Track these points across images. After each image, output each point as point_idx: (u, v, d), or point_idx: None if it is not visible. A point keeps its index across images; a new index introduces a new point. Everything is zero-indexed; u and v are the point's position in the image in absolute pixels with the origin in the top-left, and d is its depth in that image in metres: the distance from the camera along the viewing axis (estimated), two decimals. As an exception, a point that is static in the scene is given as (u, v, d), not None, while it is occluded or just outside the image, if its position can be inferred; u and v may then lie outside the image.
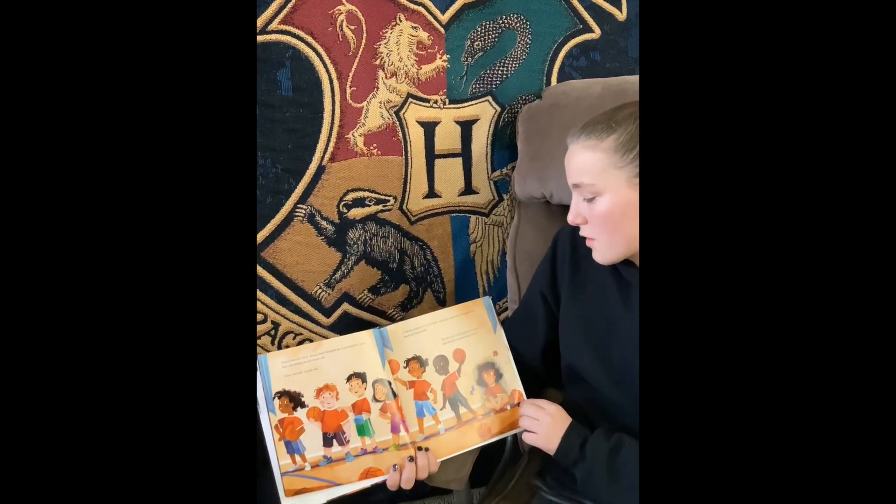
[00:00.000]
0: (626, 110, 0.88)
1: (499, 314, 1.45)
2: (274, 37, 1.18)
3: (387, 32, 1.24)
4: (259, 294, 1.29)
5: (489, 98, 1.33)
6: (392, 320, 1.40)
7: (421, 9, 1.25)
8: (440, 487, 1.01)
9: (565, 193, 1.21)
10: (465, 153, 1.36)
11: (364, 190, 1.30)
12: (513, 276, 1.29)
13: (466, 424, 0.96)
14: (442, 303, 1.43)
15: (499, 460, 1.18)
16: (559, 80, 1.37)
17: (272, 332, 1.33)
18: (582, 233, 0.93)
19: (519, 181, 1.28)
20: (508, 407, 1.00)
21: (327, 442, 0.89)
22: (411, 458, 0.91)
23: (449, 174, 1.36)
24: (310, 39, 1.20)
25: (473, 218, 1.40)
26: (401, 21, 1.24)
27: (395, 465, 0.89)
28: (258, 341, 1.32)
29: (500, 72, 1.33)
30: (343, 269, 1.33)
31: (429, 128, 1.31)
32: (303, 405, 0.90)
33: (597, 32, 1.37)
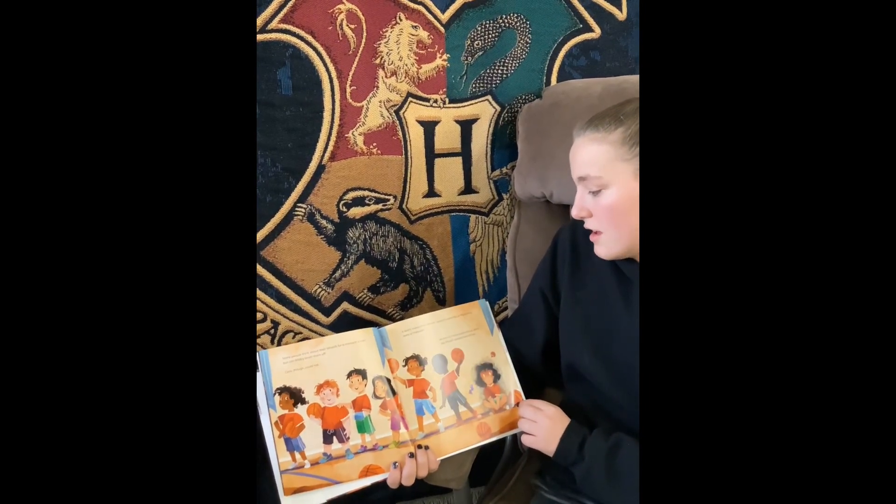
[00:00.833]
0: (634, 104, 0.89)
1: (499, 313, 1.45)
2: (274, 36, 1.18)
3: (387, 31, 1.24)
4: (259, 293, 1.29)
5: (489, 97, 1.34)
6: (392, 319, 1.40)
7: (421, 8, 1.25)
8: (440, 486, 1.01)
9: (565, 193, 1.21)
10: (465, 152, 1.36)
11: (364, 189, 1.30)
12: (513, 276, 1.30)
13: (466, 423, 0.96)
14: (442, 302, 1.44)
15: (498, 459, 1.18)
16: (559, 79, 1.37)
17: (272, 331, 1.33)
18: (587, 226, 0.93)
19: (519, 180, 1.28)
20: (508, 407, 1.00)
21: (327, 439, 0.89)
22: (412, 455, 0.91)
23: (449, 173, 1.36)
24: (310, 38, 1.20)
25: (473, 217, 1.40)
26: (401, 20, 1.25)
27: (395, 463, 0.89)
28: (258, 340, 1.32)
29: (500, 71, 1.33)
30: (343, 268, 1.34)
31: (429, 127, 1.32)
32: (303, 401, 0.90)
33: (597, 32, 1.37)
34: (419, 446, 0.92)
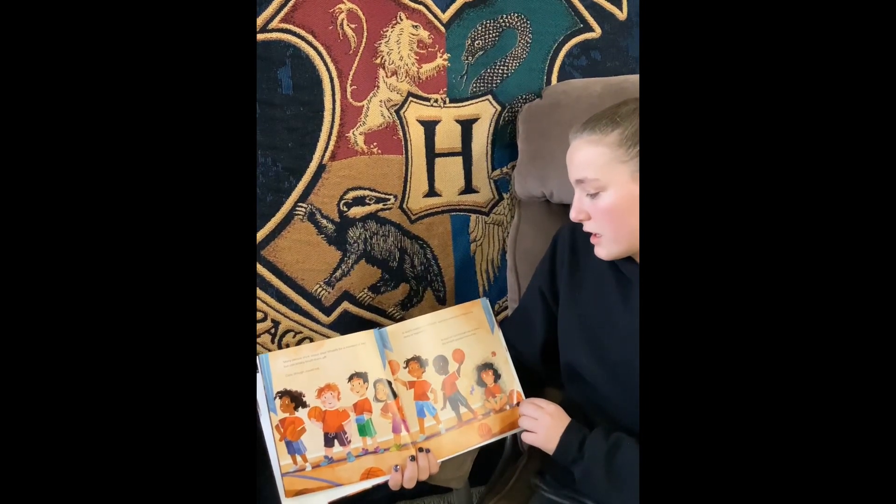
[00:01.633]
0: (630, 105, 0.88)
1: (499, 313, 1.45)
2: (274, 35, 1.18)
3: (387, 31, 1.24)
4: (259, 292, 1.29)
5: (489, 97, 1.33)
6: (392, 319, 1.40)
7: (421, 7, 1.25)
8: (440, 486, 1.01)
9: (565, 192, 1.21)
10: (466, 152, 1.36)
11: (364, 188, 1.30)
12: (513, 275, 1.30)
13: (467, 424, 0.96)
14: (442, 302, 1.43)
15: (498, 459, 1.19)
16: (559, 79, 1.37)
17: (272, 331, 1.33)
18: (586, 229, 0.93)
19: (519, 180, 1.28)
20: (508, 407, 1.00)
21: (328, 442, 0.89)
22: (412, 458, 0.91)
23: (449, 173, 1.36)
24: (310, 38, 1.20)
25: (473, 217, 1.40)
26: (401, 20, 1.24)
27: (396, 466, 0.89)
28: (258, 339, 1.32)
29: (500, 71, 1.33)
30: (343, 267, 1.33)
31: (429, 126, 1.31)
32: (304, 405, 0.90)
33: (597, 31, 1.37)
34: (420, 449, 0.92)
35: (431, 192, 1.35)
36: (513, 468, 1.14)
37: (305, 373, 0.92)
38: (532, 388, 1.04)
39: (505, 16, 1.30)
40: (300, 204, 1.27)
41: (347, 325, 1.37)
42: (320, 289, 1.33)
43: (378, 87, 1.26)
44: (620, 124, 0.86)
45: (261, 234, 1.26)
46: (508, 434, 0.99)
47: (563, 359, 1.03)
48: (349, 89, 1.24)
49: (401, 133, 1.30)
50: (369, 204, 1.31)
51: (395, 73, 1.26)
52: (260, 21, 1.16)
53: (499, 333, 1.06)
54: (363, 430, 0.91)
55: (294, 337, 1.35)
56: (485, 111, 1.34)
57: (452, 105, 1.32)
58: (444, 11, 1.27)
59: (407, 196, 1.34)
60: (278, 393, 0.89)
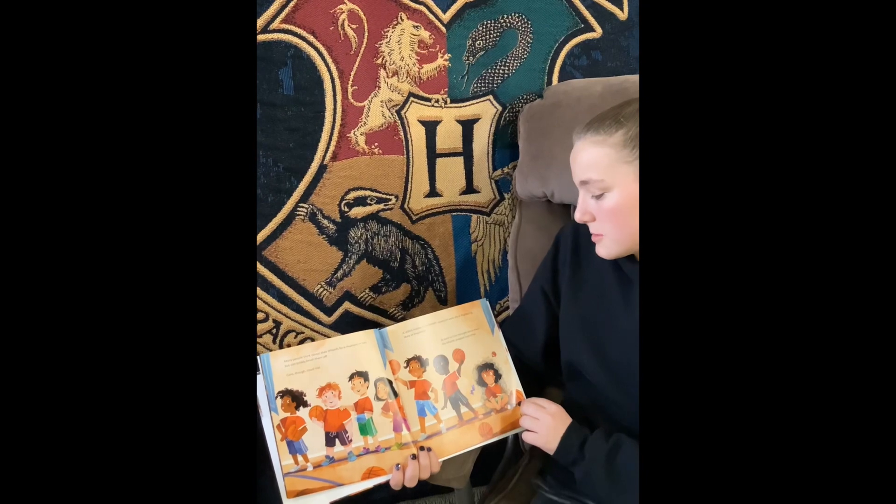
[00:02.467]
0: (634, 105, 0.88)
1: (500, 313, 1.45)
2: (275, 36, 1.18)
3: (388, 31, 1.24)
4: (261, 293, 1.29)
5: (490, 97, 1.33)
6: (393, 319, 1.40)
7: (422, 8, 1.25)
8: (442, 486, 1.01)
9: (566, 192, 1.21)
10: (467, 152, 1.36)
11: (365, 189, 1.30)
12: (514, 275, 1.30)
13: (468, 424, 0.96)
14: (443, 302, 1.44)
15: (500, 459, 1.19)
16: (560, 79, 1.37)
17: (274, 331, 1.33)
18: (591, 230, 0.93)
19: (520, 180, 1.28)
20: (509, 407, 1.00)
21: (330, 441, 0.89)
22: (414, 457, 0.91)
23: (450, 173, 1.36)
24: (311, 38, 1.20)
25: (475, 217, 1.40)
26: (402, 20, 1.24)
27: (398, 465, 0.90)
28: (260, 340, 1.32)
29: (501, 71, 1.33)
30: (344, 267, 1.34)
31: (430, 127, 1.32)
32: (305, 404, 0.90)
33: (598, 31, 1.37)
34: (421, 448, 0.92)
35: (432, 193, 1.36)
36: (514, 468, 1.14)
37: (306, 372, 0.92)
38: (533, 387, 1.04)
39: (506, 16, 1.30)
40: (301, 204, 1.27)
41: (349, 325, 1.37)
42: (322, 289, 1.33)
43: (379, 87, 1.26)
44: (624, 125, 0.86)
45: (262, 235, 1.26)
46: (510, 434, 0.99)
47: (564, 358, 1.03)
48: (350, 90, 1.24)
49: (402, 133, 1.30)
50: (370, 204, 1.32)
51: (396, 73, 1.26)
52: (261, 22, 1.16)
53: (499, 334, 1.06)
54: (364, 429, 0.91)
55: (296, 337, 1.35)
56: (486, 111, 1.34)
57: (453, 105, 1.32)
58: (444, 12, 1.27)
59: (408, 196, 1.34)
60: (279, 392, 0.89)
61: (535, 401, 0.98)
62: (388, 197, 1.32)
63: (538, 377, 1.10)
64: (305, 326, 1.34)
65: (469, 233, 1.41)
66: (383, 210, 1.33)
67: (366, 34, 1.23)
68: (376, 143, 1.28)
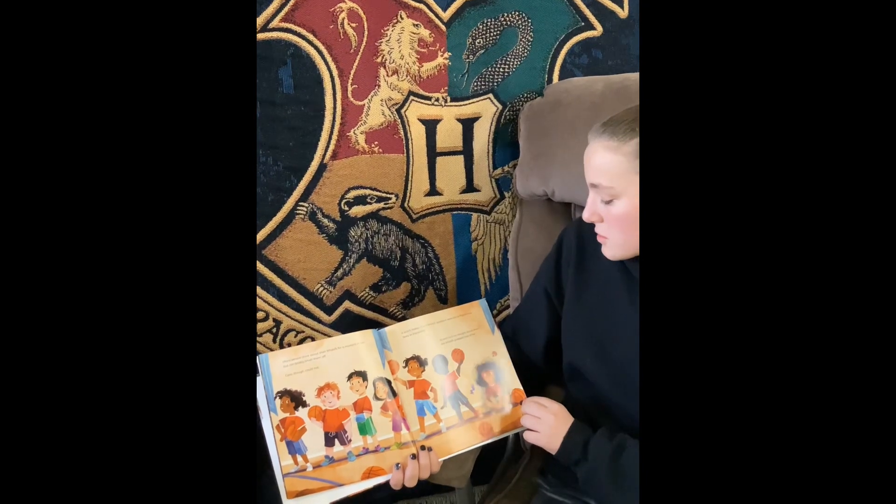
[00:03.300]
0: None
1: (501, 312, 1.45)
2: (275, 35, 1.18)
3: (388, 30, 1.24)
4: (261, 292, 1.29)
5: (490, 96, 1.33)
6: (394, 318, 1.40)
7: (422, 6, 1.25)
8: (442, 485, 1.01)
9: (567, 191, 1.21)
10: (467, 151, 1.36)
11: (365, 188, 1.30)
12: (514, 274, 1.29)
13: (468, 423, 0.96)
14: (443, 301, 1.43)
15: (500, 458, 1.18)
16: (561, 77, 1.37)
17: (274, 330, 1.33)
18: (597, 231, 0.93)
19: (521, 179, 1.28)
20: (510, 406, 1.00)
21: (329, 441, 0.89)
22: (414, 456, 0.91)
23: (450, 172, 1.35)
24: (311, 37, 1.20)
25: (475, 216, 1.40)
26: (402, 18, 1.24)
27: (397, 464, 0.89)
28: (260, 339, 1.32)
29: (501, 69, 1.33)
30: (344, 266, 1.34)
31: (430, 125, 1.31)
32: (304, 404, 0.90)
33: (598, 30, 1.37)
34: (422, 447, 0.92)
35: (433, 191, 1.35)
36: (515, 467, 1.14)
37: (305, 372, 0.92)
38: (533, 386, 1.04)
39: (506, 14, 1.30)
40: (301, 203, 1.27)
41: (349, 324, 1.37)
42: (322, 288, 1.33)
43: (379, 86, 1.26)
44: (639, 134, 0.85)
45: (262, 234, 1.26)
46: (510, 433, 0.99)
47: (566, 358, 1.03)
48: (350, 88, 1.24)
49: (402, 132, 1.30)
50: (370, 203, 1.31)
51: (395, 71, 1.26)
52: (260, 20, 1.16)
53: (499, 333, 1.06)
54: (363, 428, 0.91)
55: (296, 336, 1.35)
56: (486, 110, 1.34)
57: (453, 104, 1.32)
58: (444, 10, 1.26)
59: (408, 195, 1.34)
60: (278, 393, 0.89)
61: (536, 400, 0.98)
62: (388, 196, 1.32)
63: (539, 376, 1.10)
64: (305, 325, 1.34)
65: (469, 231, 1.41)
66: (383, 209, 1.33)
67: (365, 33, 1.23)
68: (376, 142, 1.28)
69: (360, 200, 1.31)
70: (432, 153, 1.33)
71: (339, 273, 1.33)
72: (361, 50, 1.23)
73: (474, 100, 1.33)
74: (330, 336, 1.32)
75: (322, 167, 1.26)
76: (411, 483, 0.90)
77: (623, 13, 1.37)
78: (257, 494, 0.63)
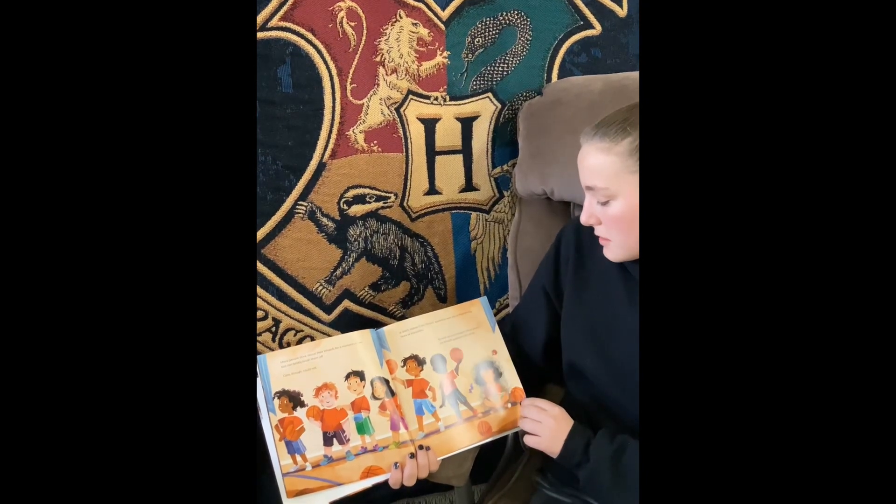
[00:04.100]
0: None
1: (500, 311, 1.45)
2: (274, 34, 1.17)
3: (387, 29, 1.24)
4: (260, 291, 1.29)
5: (490, 95, 1.33)
6: (393, 317, 1.40)
7: (421, 5, 1.25)
8: (442, 484, 1.01)
9: (566, 190, 1.21)
10: (466, 150, 1.36)
11: (365, 187, 1.30)
12: (514, 273, 1.29)
13: (467, 422, 0.96)
14: (443, 300, 1.43)
15: (500, 456, 1.18)
16: (560, 76, 1.36)
17: (273, 329, 1.33)
18: (596, 233, 0.93)
19: (520, 178, 1.28)
20: (509, 405, 0.99)
21: (328, 441, 0.89)
22: (412, 455, 0.91)
23: (449, 171, 1.35)
24: (310, 36, 1.20)
25: (474, 215, 1.40)
26: (401, 17, 1.24)
27: (396, 463, 0.89)
28: (259, 338, 1.32)
29: (500, 68, 1.33)
30: (344, 265, 1.33)
31: (429, 124, 1.31)
32: (302, 404, 0.90)
33: (597, 29, 1.37)
34: (420, 446, 0.92)
35: (432, 190, 1.35)
36: (514, 466, 1.14)
37: (303, 372, 0.92)
38: (533, 385, 1.04)
39: (505, 13, 1.30)
40: (300, 202, 1.27)
41: (348, 323, 1.37)
42: (321, 287, 1.33)
43: (378, 85, 1.26)
44: (631, 133, 0.85)
45: (261, 233, 1.26)
46: (509, 432, 0.99)
47: (565, 357, 1.03)
48: (349, 87, 1.24)
49: (401, 131, 1.30)
50: (370, 202, 1.31)
51: (394, 70, 1.26)
52: (259, 19, 1.16)
53: (499, 332, 1.05)
54: (361, 428, 0.91)
55: (295, 335, 1.35)
56: (485, 109, 1.34)
57: (452, 103, 1.32)
58: (443, 9, 1.26)
59: (407, 194, 1.33)
60: (276, 393, 0.89)
61: (535, 403, 0.97)
62: (387, 195, 1.32)
63: (539, 375, 1.09)
64: (305, 325, 1.34)
65: (468, 231, 1.41)
66: (382, 208, 1.33)
67: (364, 32, 1.22)
68: (375, 141, 1.28)
69: (360, 199, 1.31)
70: (431, 152, 1.33)
71: (339, 272, 1.33)
72: (360, 49, 1.23)
73: (473, 99, 1.33)
74: (329, 335, 1.33)
75: (321, 166, 1.26)
76: (410, 482, 0.90)
77: (622, 12, 1.37)
78: (257, 493, 0.63)
